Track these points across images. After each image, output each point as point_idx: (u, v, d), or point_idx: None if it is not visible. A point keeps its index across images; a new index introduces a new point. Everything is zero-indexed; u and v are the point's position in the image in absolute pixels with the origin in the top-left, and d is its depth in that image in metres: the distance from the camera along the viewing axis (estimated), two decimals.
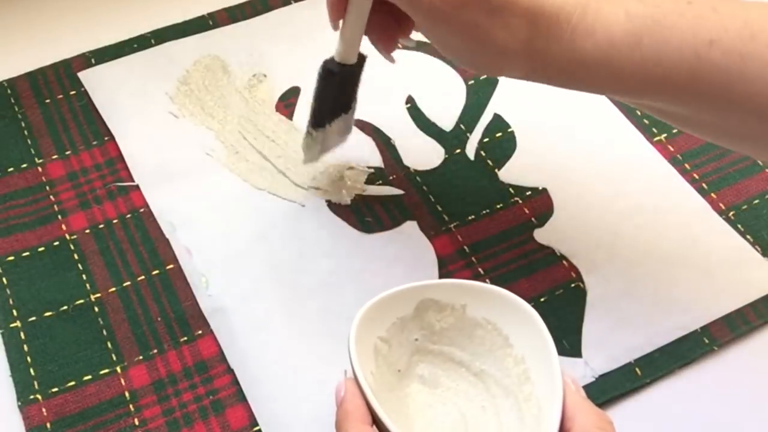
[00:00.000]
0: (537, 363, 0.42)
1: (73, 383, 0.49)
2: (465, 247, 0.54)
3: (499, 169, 0.58)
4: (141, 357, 0.50)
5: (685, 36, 0.40)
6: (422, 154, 0.59)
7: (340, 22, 0.49)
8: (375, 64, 0.63)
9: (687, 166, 0.59)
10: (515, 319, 0.43)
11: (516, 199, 0.56)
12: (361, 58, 0.51)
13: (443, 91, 0.62)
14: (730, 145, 0.46)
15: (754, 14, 0.40)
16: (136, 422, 0.47)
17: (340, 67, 0.50)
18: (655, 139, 0.60)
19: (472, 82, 0.63)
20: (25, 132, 0.60)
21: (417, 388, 0.44)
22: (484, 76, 0.63)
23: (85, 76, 0.62)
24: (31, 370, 0.49)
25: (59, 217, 0.55)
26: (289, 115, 0.61)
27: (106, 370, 0.49)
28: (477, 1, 0.42)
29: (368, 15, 0.47)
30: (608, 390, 0.48)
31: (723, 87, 0.40)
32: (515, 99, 0.62)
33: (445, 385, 0.45)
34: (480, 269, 0.53)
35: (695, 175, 0.58)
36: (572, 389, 0.39)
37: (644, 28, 0.41)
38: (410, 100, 0.62)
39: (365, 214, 0.56)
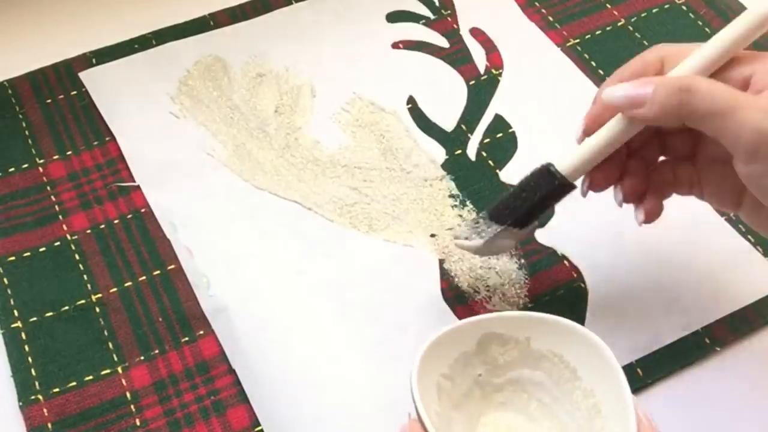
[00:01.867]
0: (607, 396, 0.40)
1: (74, 383, 0.49)
2: None
3: (500, 170, 0.58)
4: (142, 357, 0.50)
5: None
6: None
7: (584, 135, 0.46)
8: (375, 63, 0.64)
9: None
10: (583, 351, 0.41)
11: None
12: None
13: (444, 92, 0.62)
14: None
15: None
16: (138, 423, 0.47)
17: (566, 183, 0.46)
18: None
19: (473, 82, 0.63)
20: (26, 132, 0.60)
21: (483, 421, 0.43)
22: (485, 77, 0.63)
23: (86, 76, 0.62)
24: (32, 371, 0.49)
25: (60, 217, 0.55)
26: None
27: (108, 371, 0.49)
28: None
29: (623, 143, 0.44)
30: None
31: None
32: (516, 99, 0.62)
33: (511, 419, 0.44)
34: None
35: None
36: (645, 425, 0.38)
37: None
38: (411, 101, 0.62)
39: None
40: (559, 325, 0.42)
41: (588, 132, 0.45)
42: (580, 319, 0.51)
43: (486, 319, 0.43)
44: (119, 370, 0.49)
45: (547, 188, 0.46)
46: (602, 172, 0.46)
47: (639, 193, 0.46)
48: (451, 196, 0.57)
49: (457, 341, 0.42)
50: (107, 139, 0.59)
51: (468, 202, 0.56)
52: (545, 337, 0.43)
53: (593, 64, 0.64)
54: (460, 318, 0.51)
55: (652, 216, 0.47)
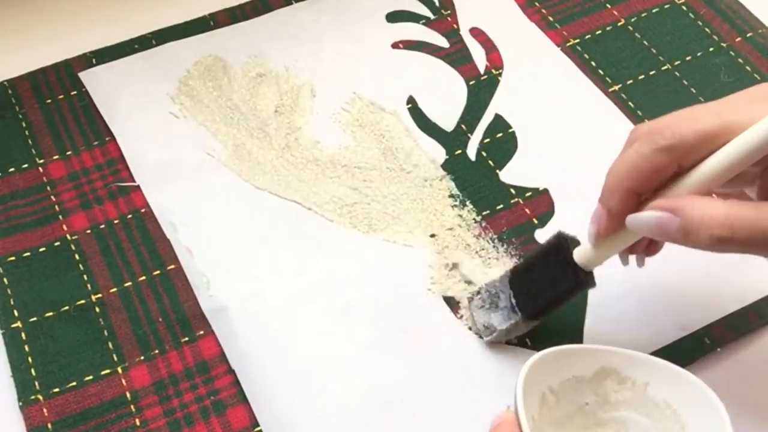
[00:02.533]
0: None
1: (74, 383, 0.49)
2: None
3: (500, 170, 0.58)
4: (142, 357, 0.50)
5: None
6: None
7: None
8: (375, 63, 0.64)
9: None
10: (699, 410, 0.41)
11: (517, 199, 0.56)
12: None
13: (444, 92, 0.62)
14: None
15: None
16: (138, 423, 0.47)
17: (591, 278, 0.46)
18: None
19: (473, 82, 0.63)
20: (26, 132, 0.60)
21: None
22: (486, 77, 0.63)
23: (86, 77, 0.62)
24: (32, 371, 0.49)
25: (60, 217, 0.55)
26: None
27: (107, 371, 0.49)
28: None
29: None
30: None
31: None
32: (516, 99, 0.62)
33: None
34: None
35: None
36: None
37: None
38: (411, 101, 0.62)
39: None
40: (682, 378, 0.42)
41: (604, 234, 0.44)
42: (580, 320, 0.51)
43: (610, 351, 0.43)
44: (119, 370, 0.49)
45: (579, 292, 0.46)
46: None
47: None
48: (451, 196, 0.57)
49: (574, 363, 0.42)
50: (107, 139, 0.59)
51: (468, 202, 0.56)
52: (664, 385, 0.42)
53: (593, 64, 0.64)
54: (459, 318, 0.51)
55: (655, 252, 0.47)
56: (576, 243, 0.46)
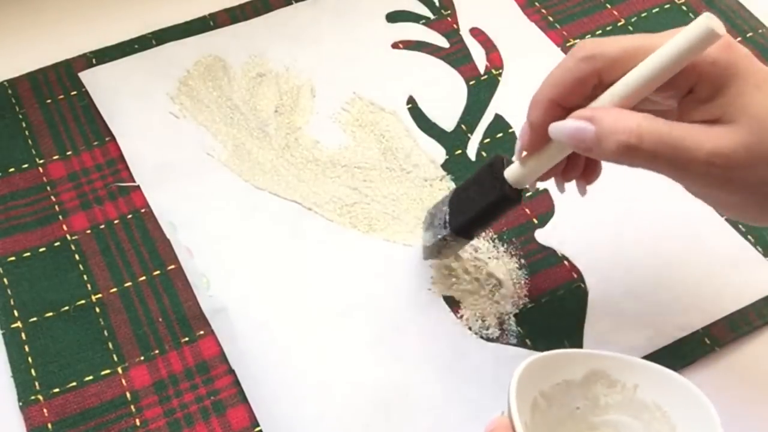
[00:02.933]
0: None
1: (74, 384, 0.49)
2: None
3: None
4: (142, 357, 0.50)
5: None
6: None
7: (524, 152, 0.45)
8: (375, 63, 0.64)
9: None
10: (689, 411, 0.41)
11: None
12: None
13: (444, 92, 0.62)
14: None
15: None
16: (138, 423, 0.47)
17: (517, 194, 0.46)
18: None
19: (473, 82, 0.63)
20: (26, 132, 0.60)
21: None
22: (486, 77, 0.63)
23: (86, 77, 0.62)
24: (32, 371, 0.49)
25: (60, 217, 0.55)
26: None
27: (108, 371, 0.49)
28: (758, 160, 0.38)
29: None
30: None
31: None
32: (516, 99, 0.62)
33: None
34: None
35: None
36: None
37: None
38: (411, 101, 0.62)
39: None
40: (671, 380, 0.42)
41: (528, 150, 0.44)
42: (580, 319, 0.51)
43: (599, 355, 0.43)
44: (119, 370, 0.49)
45: (509, 207, 0.47)
46: (559, 174, 0.47)
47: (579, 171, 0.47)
48: None
49: (564, 367, 0.42)
50: (107, 139, 0.59)
51: None
52: (653, 387, 0.42)
53: None
54: (459, 318, 0.51)
55: (592, 179, 0.47)
56: (510, 164, 0.47)
